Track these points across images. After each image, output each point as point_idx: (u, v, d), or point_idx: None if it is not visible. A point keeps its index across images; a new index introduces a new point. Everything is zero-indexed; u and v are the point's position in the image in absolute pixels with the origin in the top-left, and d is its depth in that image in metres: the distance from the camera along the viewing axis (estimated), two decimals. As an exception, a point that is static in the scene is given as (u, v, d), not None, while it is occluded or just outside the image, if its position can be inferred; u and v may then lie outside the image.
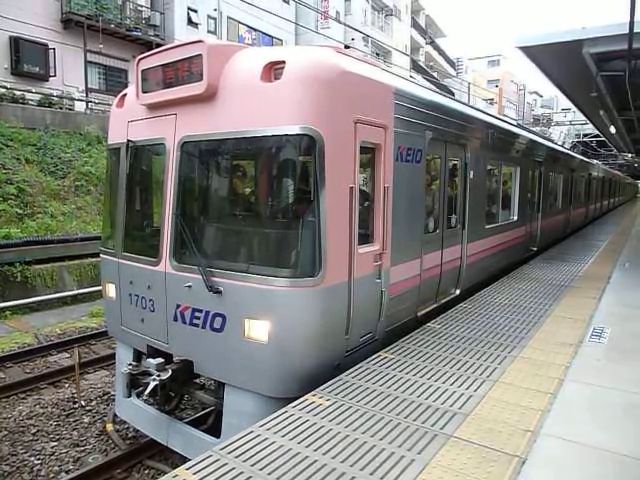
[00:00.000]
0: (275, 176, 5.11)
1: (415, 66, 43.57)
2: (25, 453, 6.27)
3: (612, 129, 16.34)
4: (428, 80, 35.58)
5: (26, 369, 9.01)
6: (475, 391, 4.52)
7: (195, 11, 27.75)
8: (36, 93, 19.77)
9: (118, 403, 6.33)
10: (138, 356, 5.94)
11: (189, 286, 5.01)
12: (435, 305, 7.23)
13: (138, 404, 5.80)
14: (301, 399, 4.32)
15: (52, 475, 5.88)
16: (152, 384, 4.97)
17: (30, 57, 20.44)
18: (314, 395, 4.41)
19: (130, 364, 5.50)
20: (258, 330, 4.61)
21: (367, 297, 5.32)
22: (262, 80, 4.59)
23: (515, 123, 15.29)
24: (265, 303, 4.60)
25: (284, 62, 4.59)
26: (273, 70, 4.64)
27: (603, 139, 28.93)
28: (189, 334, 5.12)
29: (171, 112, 5.25)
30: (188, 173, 5.34)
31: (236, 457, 3.41)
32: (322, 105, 4.62)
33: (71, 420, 7.08)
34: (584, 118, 22.14)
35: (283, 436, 3.70)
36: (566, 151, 19.82)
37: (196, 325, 5.03)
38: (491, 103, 56.02)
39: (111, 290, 6.16)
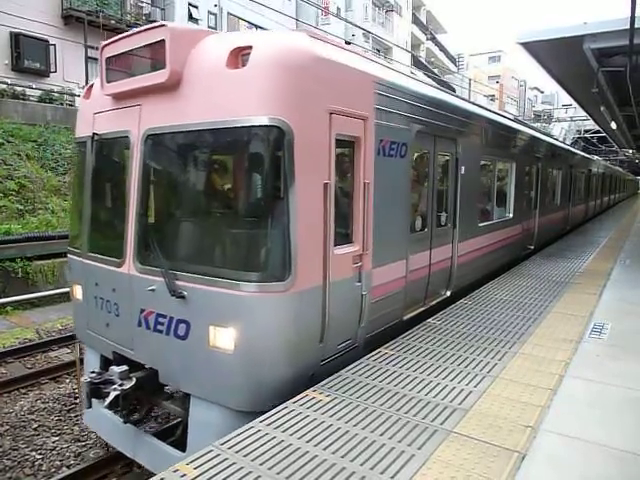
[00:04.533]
0: (240, 171, 4.74)
1: (416, 62, 43.50)
2: (26, 448, 6.30)
3: (613, 125, 16.30)
4: (429, 76, 35.52)
5: (27, 364, 9.04)
6: (475, 387, 4.53)
7: (196, 7, 27.70)
8: (37, 89, 19.75)
9: (85, 411, 5.79)
10: (106, 363, 5.48)
11: (152, 290, 4.65)
12: (423, 308, 6.89)
13: (105, 413, 5.24)
14: (301, 395, 4.33)
15: (53, 470, 5.91)
16: (112, 394, 4.64)
17: (31, 53, 20.42)
18: (314, 391, 4.41)
19: (92, 372, 5.09)
20: (223, 338, 4.27)
21: (345, 302, 4.99)
22: (228, 67, 4.26)
23: (512, 117, 14.90)
24: (230, 309, 4.26)
25: (251, 47, 4.24)
26: (240, 56, 4.29)
27: (604, 135, 28.90)
28: (154, 341, 4.76)
29: (135, 103, 4.92)
30: (152, 168, 5.01)
31: (236, 452, 3.42)
32: (292, 94, 4.26)
33: (72, 415, 7.11)
34: (585, 114, 22.09)
35: (283, 431, 3.71)
36: (565, 146, 19.55)
37: (160, 331, 4.68)
38: (492, 99, 55.91)
39: (78, 292, 5.81)
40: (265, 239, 4.41)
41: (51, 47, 20.97)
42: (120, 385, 4.71)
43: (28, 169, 15.80)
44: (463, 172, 7.69)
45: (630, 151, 34.80)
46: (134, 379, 4.79)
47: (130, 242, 4.92)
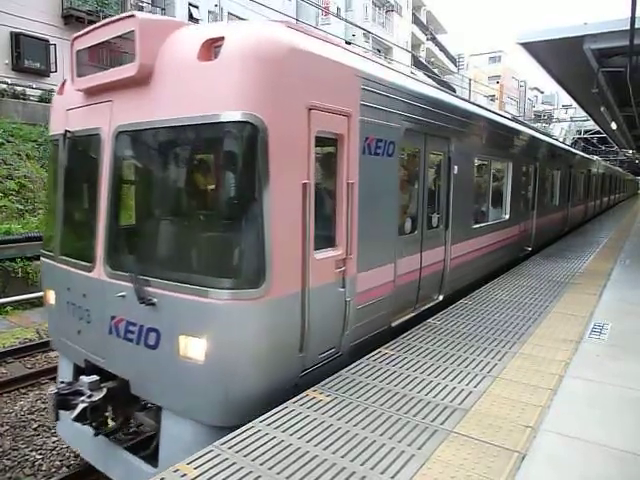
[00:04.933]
0: (212, 171, 4.55)
1: (416, 62, 43.50)
2: (26, 448, 6.30)
3: (613, 125, 16.29)
4: (429, 76, 35.53)
5: (27, 364, 9.03)
6: (475, 387, 4.53)
7: (196, 7, 27.72)
8: (37, 89, 19.74)
9: (58, 423, 5.43)
10: (78, 371, 5.20)
11: (123, 296, 4.37)
12: (413, 314, 6.61)
13: (77, 424, 4.79)
14: (301, 394, 4.33)
15: (54, 470, 5.91)
16: (79, 407, 4.37)
17: (31, 53, 20.40)
18: (314, 391, 4.42)
19: (62, 382, 4.87)
20: (194, 348, 4.01)
21: (327, 309, 4.72)
22: (200, 59, 4.02)
23: (510, 116, 14.53)
24: (201, 318, 4.01)
25: (223, 38, 4.01)
26: (212, 48, 4.05)
27: (604, 135, 28.89)
28: (125, 350, 4.50)
29: (107, 98, 4.65)
30: (123, 168, 4.81)
31: (236, 452, 3.42)
32: (266, 88, 3.99)
33: (72, 415, 7.09)
34: (585, 114, 22.08)
35: (283, 431, 3.71)
36: (564, 146, 19.29)
37: (131, 340, 4.42)
38: (492, 99, 55.92)
39: (51, 297, 5.55)
40: (237, 243, 4.14)
41: (51, 47, 20.94)
42: (89, 397, 4.44)
43: (28, 169, 15.80)
44: (456, 172, 7.43)
45: (630, 151, 34.80)
46: (104, 390, 4.54)
47: (100, 245, 4.67)
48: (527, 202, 12.28)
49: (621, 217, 27.12)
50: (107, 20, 4.73)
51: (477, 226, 8.77)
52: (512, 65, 72.09)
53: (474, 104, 9.85)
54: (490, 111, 10.74)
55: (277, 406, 4.12)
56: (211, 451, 3.44)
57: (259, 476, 3.16)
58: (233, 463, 3.29)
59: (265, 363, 4.18)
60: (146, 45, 4.21)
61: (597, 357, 5.32)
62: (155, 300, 4.17)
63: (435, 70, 46.66)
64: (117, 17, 4.54)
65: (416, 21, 48.60)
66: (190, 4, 27.44)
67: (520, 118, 31.78)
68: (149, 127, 4.36)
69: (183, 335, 4.06)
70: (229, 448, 3.48)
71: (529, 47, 9.86)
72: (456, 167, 7.41)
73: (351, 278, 5.02)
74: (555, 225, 15.91)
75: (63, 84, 5.63)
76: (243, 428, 3.75)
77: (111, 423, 4.93)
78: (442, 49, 55.67)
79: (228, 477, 3.14)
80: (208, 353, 3.97)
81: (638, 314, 7.00)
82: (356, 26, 23.94)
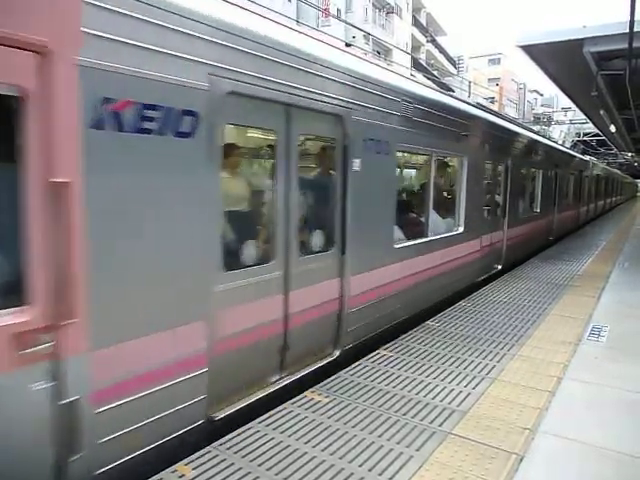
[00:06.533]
0: None
1: (416, 64, 43.57)
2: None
3: (612, 128, 16.29)
4: (429, 78, 35.56)
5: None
6: (474, 389, 4.54)
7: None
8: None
9: None
10: None
11: None
12: (271, 389, 4.33)
13: None
14: (300, 396, 4.33)
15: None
16: None
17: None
18: (313, 392, 4.42)
19: None
20: None
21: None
22: None
23: (474, 103, 11.22)
24: None
25: None
26: None
27: (603, 138, 28.92)
28: None
29: None
30: None
31: (235, 453, 3.43)
32: None
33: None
34: (584, 117, 22.10)
35: (282, 432, 3.71)
36: (549, 142, 16.85)
37: None
38: (492, 101, 56.02)
39: None
40: None
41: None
42: None
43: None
44: (358, 168, 5.18)
45: (629, 154, 34.85)
46: None
47: None
48: (494, 209, 10.05)
49: (620, 220, 27.17)
50: None
51: (405, 246, 6.48)
52: (512, 67, 72.26)
53: (397, 74, 6.73)
54: (431, 89, 8.14)
55: None
56: (209, 452, 3.44)
57: (257, 477, 3.16)
58: (231, 464, 3.29)
59: None
60: None
61: (595, 359, 5.33)
62: None
63: (435, 72, 46.74)
64: None
65: (416, 23, 48.68)
66: None
67: (520, 120, 31.83)
68: None
69: None
70: (227, 449, 3.48)
71: (529, 50, 9.88)
72: (358, 161, 5.16)
73: (77, 360, 2.82)
74: (535, 235, 13.53)
75: None
76: (242, 429, 3.75)
77: None
78: (442, 51, 55.76)
79: (226, 478, 3.14)
80: None
81: (636, 316, 7.01)
82: (356, 27, 23.95)
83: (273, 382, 4.41)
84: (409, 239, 6.68)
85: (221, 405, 3.89)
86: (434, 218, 7.43)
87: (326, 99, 4.68)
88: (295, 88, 4.29)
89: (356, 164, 5.15)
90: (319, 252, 4.96)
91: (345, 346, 5.25)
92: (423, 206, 7.35)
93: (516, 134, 11.69)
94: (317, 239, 5.00)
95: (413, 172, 8.78)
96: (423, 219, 7.32)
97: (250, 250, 4.32)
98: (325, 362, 4.99)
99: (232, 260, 3.99)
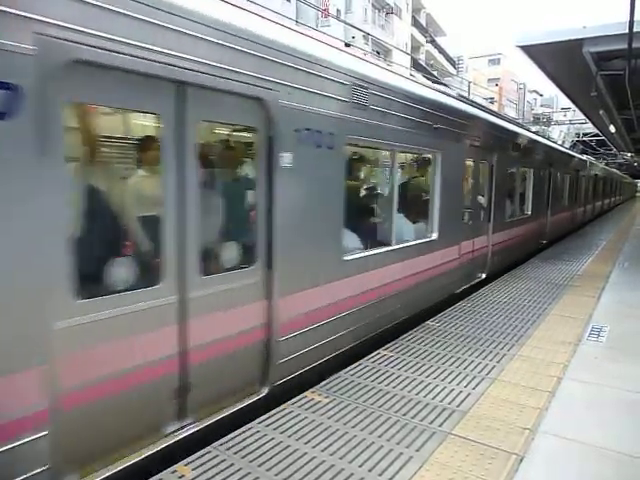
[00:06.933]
0: None
1: (416, 64, 43.58)
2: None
3: (612, 128, 16.30)
4: (428, 78, 35.60)
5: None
6: (474, 389, 4.54)
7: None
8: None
9: None
10: None
11: None
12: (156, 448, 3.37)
13: None
14: (300, 396, 4.34)
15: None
16: None
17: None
18: (313, 392, 4.42)
19: None
20: None
21: None
22: None
23: (455, 94, 9.26)
24: None
25: None
26: None
27: (603, 138, 28.92)
28: None
29: None
30: None
31: (235, 453, 3.42)
32: None
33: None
34: (584, 117, 22.08)
35: (282, 433, 3.71)
36: (542, 140, 15.67)
37: None
38: (491, 102, 56.05)
39: None
40: None
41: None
42: None
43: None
44: (289, 164, 4.29)
45: (629, 154, 34.86)
46: None
47: None
48: (477, 212, 9.10)
49: (620, 220, 27.18)
50: None
51: (358, 256, 5.50)
52: (511, 68, 72.27)
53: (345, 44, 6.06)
54: (401, 76, 7.02)
55: None
56: (209, 452, 3.44)
57: (257, 477, 3.16)
58: (231, 464, 3.29)
59: None
60: None
61: (595, 359, 5.33)
62: None
63: (435, 72, 46.77)
64: None
65: (415, 23, 48.69)
66: None
67: (519, 120, 31.82)
68: None
69: None
70: (227, 449, 3.48)
71: (528, 50, 9.88)
72: (288, 155, 4.28)
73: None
74: (526, 239, 12.52)
75: None
76: (242, 429, 3.75)
77: None
78: (442, 51, 55.78)
79: (226, 478, 3.14)
80: None
81: (636, 316, 7.01)
82: (356, 28, 23.95)
83: (168, 434, 3.50)
84: (367, 248, 5.84)
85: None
86: (400, 223, 6.49)
87: (240, 77, 3.76)
88: (191, 61, 3.37)
89: (286, 159, 4.26)
90: (233, 269, 4.05)
91: (275, 382, 4.32)
92: (386, 210, 6.44)
93: (503, 130, 10.57)
94: (230, 252, 4.09)
95: (376, 170, 7.56)
96: (386, 225, 6.36)
97: (120, 270, 3.32)
98: (247, 403, 4.08)
99: (90, 284, 3.04)
